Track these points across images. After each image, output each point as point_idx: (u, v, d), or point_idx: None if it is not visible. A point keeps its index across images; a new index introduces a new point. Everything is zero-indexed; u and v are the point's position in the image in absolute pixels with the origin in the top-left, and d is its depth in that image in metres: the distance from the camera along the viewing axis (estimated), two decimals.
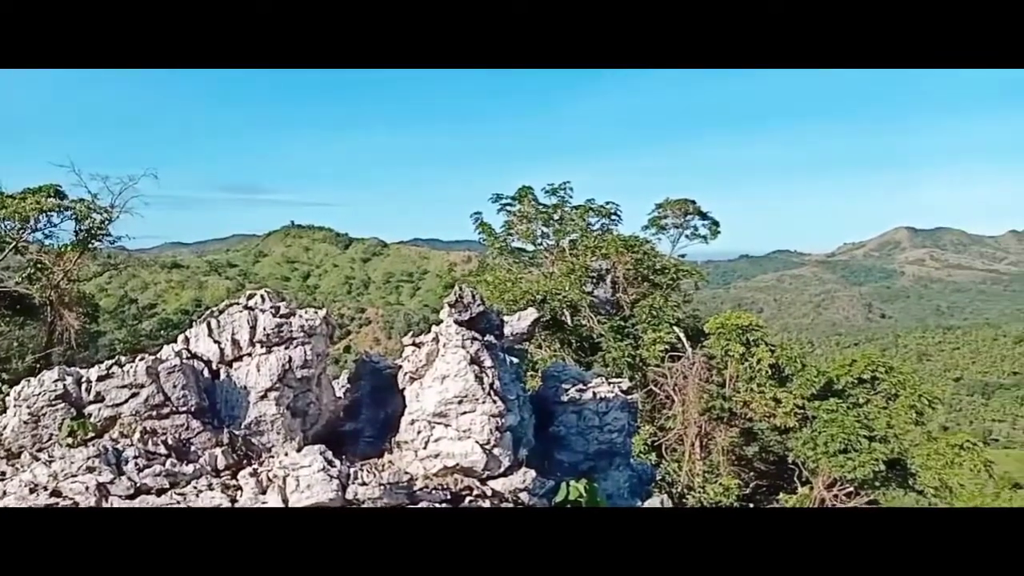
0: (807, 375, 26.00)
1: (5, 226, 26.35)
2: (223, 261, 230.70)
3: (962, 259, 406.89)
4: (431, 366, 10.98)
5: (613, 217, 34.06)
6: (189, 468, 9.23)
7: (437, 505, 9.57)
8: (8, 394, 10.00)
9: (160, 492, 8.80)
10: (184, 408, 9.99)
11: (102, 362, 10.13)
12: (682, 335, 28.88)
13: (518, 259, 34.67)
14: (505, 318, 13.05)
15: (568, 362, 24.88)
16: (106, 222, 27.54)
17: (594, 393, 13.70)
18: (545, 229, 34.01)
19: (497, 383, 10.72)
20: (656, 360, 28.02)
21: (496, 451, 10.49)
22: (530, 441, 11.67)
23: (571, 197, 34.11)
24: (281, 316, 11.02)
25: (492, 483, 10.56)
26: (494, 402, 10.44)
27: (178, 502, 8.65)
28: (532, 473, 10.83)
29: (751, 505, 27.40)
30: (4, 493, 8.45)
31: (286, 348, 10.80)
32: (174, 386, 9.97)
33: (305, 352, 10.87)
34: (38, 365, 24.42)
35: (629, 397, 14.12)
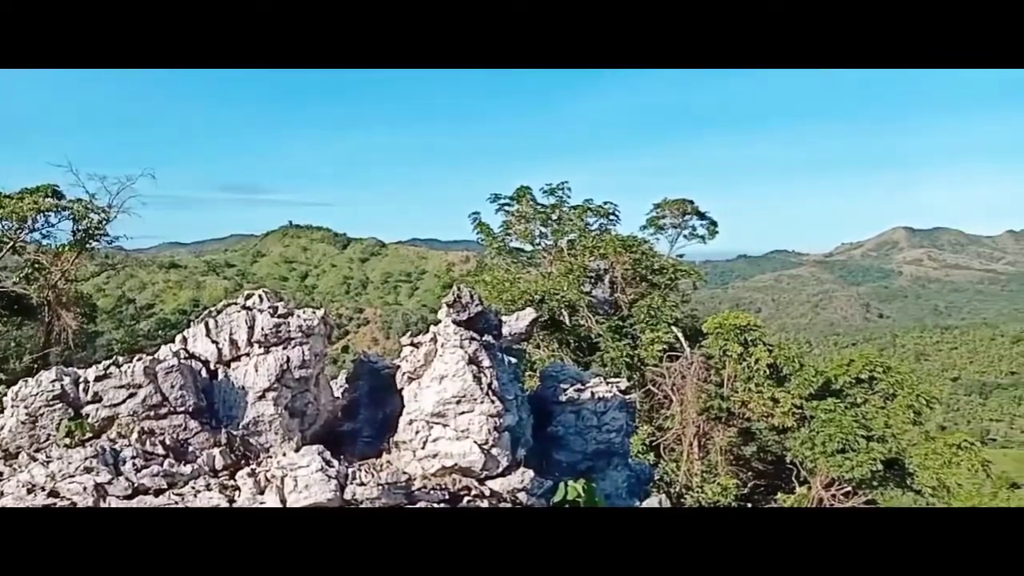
0: (805, 375, 26.01)
1: (2, 226, 26.29)
2: (221, 261, 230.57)
3: (960, 259, 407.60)
4: (429, 366, 10.98)
5: (611, 217, 34.06)
6: (187, 468, 9.22)
7: (435, 505, 9.57)
8: (5, 394, 9.98)
9: (158, 492, 8.79)
10: (182, 408, 9.98)
11: (100, 362, 10.12)
12: (680, 335, 28.89)
13: (516, 259, 34.65)
14: (503, 318, 13.06)
15: (566, 362, 24.88)
16: (104, 222, 27.47)
17: (592, 393, 13.70)
18: (543, 229, 34.00)
19: (495, 383, 10.72)
20: (654, 360, 28.03)
21: (494, 451, 10.49)
22: (528, 441, 11.67)
23: (569, 197, 34.14)
24: (279, 316, 11.01)
25: (490, 483, 10.56)
26: (492, 402, 10.44)
27: (176, 502, 8.65)
28: (530, 473, 10.83)
29: (749, 505, 27.42)
30: (2, 494, 8.44)
31: (284, 348, 10.79)
32: (172, 386, 9.96)
33: (303, 352, 10.86)
34: (36, 365, 24.37)
35: (627, 397, 14.12)
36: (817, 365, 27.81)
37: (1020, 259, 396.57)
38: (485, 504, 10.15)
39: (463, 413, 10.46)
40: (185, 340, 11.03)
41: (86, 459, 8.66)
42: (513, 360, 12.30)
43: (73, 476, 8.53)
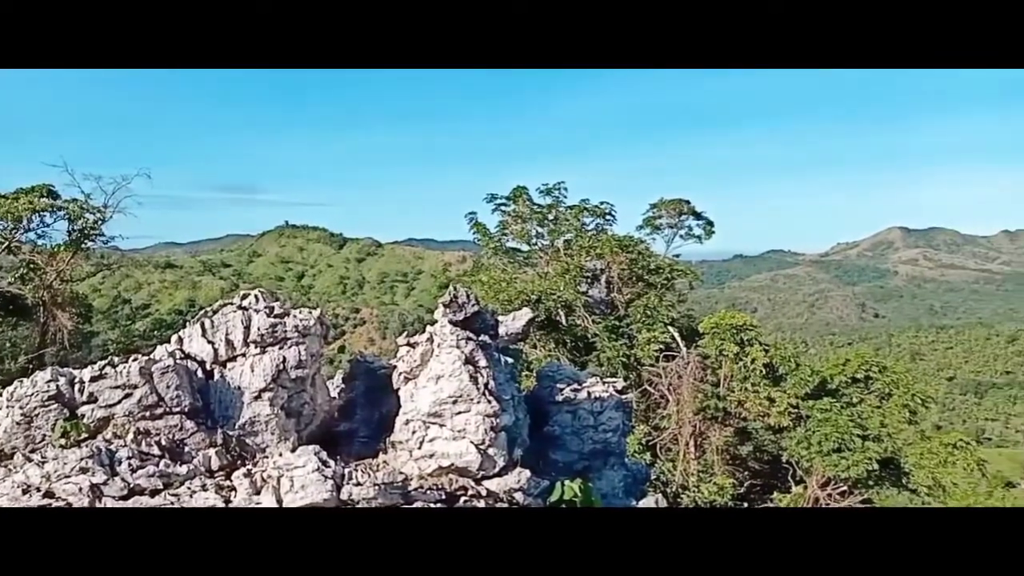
0: (801, 374, 26.06)
1: None
2: (217, 261, 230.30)
3: (955, 259, 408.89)
4: (426, 366, 10.97)
5: (607, 217, 34.09)
6: (183, 469, 9.20)
7: (432, 505, 9.57)
8: (1, 395, 9.95)
9: (154, 493, 8.77)
10: (178, 409, 9.96)
11: (95, 363, 10.10)
12: (676, 335, 28.93)
13: (513, 259, 34.64)
14: (500, 318, 13.05)
15: (563, 362, 24.86)
16: (99, 222, 27.40)
17: (589, 393, 13.71)
18: (540, 229, 34.01)
19: (492, 383, 10.72)
20: (651, 360, 28.06)
21: (491, 451, 10.49)
22: (525, 441, 11.67)
23: (566, 197, 34.15)
24: (275, 316, 10.99)
25: (487, 483, 10.56)
26: (489, 402, 10.44)
27: (172, 503, 8.63)
28: (527, 473, 10.83)
29: (745, 504, 27.47)
30: None
31: (280, 348, 10.78)
32: (168, 387, 9.94)
33: (299, 352, 10.85)
34: (31, 366, 24.28)
35: (624, 397, 14.13)
36: (813, 365, 27.87)
37: (1015, 259, 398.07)
38: (482, 504, 10.15)
39: (459, 413, 10.46)
40: (181, 340, 11.01)
41: (81, 459, 8.64)
42: (510, 360, 12.29)
43: (69, 477, 8.50)
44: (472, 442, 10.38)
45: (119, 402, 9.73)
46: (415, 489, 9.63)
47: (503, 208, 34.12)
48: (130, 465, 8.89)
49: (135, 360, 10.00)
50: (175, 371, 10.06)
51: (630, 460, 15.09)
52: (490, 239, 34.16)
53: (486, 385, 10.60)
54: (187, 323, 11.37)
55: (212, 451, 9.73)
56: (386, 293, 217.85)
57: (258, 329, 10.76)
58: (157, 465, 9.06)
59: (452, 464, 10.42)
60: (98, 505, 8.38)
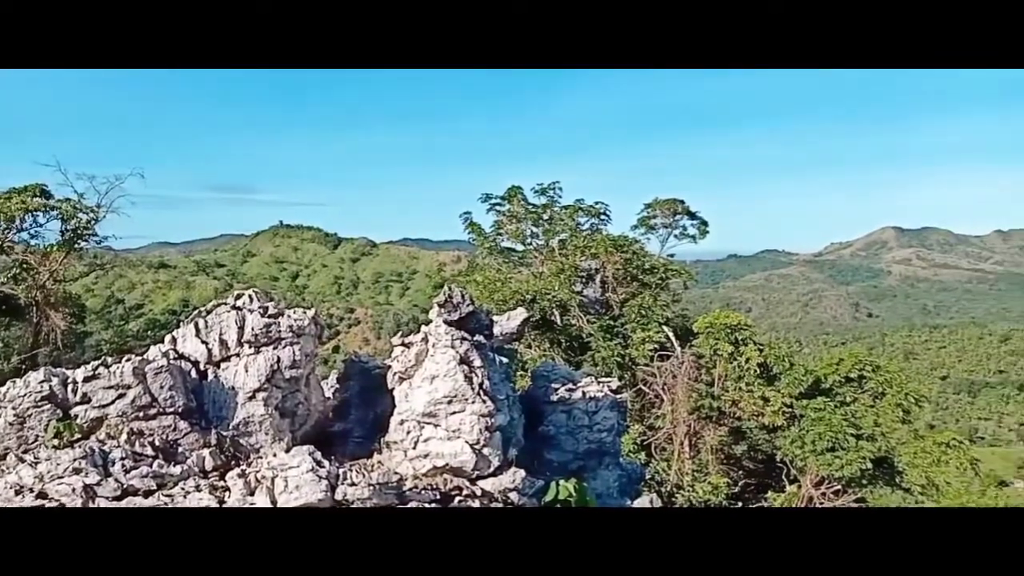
0: (795, 374, 26.13)
1: None
2: (211, 261, 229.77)
3: (948, 259, 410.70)
4: (420, 366, 10.96)
5: (602, 217, 34.12)
6: (177, 469, 9.17)
7: (426, 505, 9.56)
8: None
9: (147, 494, 8.74)
10: (171, 409, 9.93)
11: (88, 363, 10.06)
12: (671, 334, 28.96)
13: (507, 259, 34.64)
14: (495, 318, 13.05)
15: (558, 361, 24.90)
16: (92, 222, 27.33)
17: (583, 392, 13.72)
18: (534, 229, 34.01)
19: (487, 383, 10.71)
20: (645, 359, 28.09)
21: (485, 451, 10.49)
22: (520, 441, 11.67)
23: (560, 197, 34.18)
24: (269, 316, 10.97)
25: (482, 483, 10.55)
26: (483, 402, 10.44)
27: (165, 504, 8.60)
28: (522, 473, 10.83)
29: (740, 503, 27.52)
30: None
31: (274, 348, 10.75)
32: (161, 387, 9.91)
33: (294, 352, 10.83)
34: (24, 366, 24.22)
35: (618, 396, 14.14)
36: (807, 364, 27.94)
37: (1008, 259, 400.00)
38: (476, 504, 10.15)
39: (454, 413, 10.45)
40: (174, 340, 10.97)
41: (75, 460, 8.60)
42: (504, 360, 12.30)
43: (62, 477, 8.47)
44: (467, 442, 10.37)
45: (112, 402, 9.69)
46: (410, 489, 9.62)
47: (498, 208, 34.11)
48: (123, 466, 8.85)
49: (128, 360, 9.97)
50: (169, 371, 10.02)
51: (625, 460, 15.10)
52: (485, 239, 34.14)
53: (481, 385, 10.60)
54: (181, 323, 11.33)
55: (206, 451, 9.69)
56: (381, 293, 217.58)
57: (252, 329, 10.73)
58: (151, 466, 9.03)
59: (447, 464, 10.41)
60: (91, 506, 8.35)
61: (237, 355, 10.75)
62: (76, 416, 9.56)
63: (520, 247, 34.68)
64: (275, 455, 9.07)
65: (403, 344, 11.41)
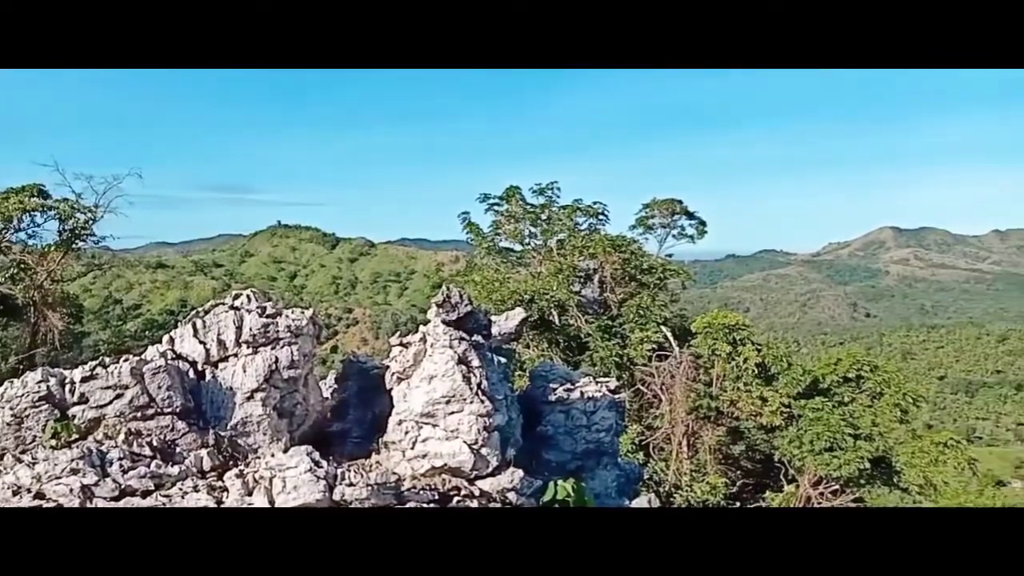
0: (793, 374, 26.14)
1: None
2: (209, 261, 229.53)
3: (946, 259, 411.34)
4: (419, 366, 10.95)
5: (600, 217, 34.12)
6: (174, 470, 9.16)
7: (425, 505, 9.56)
8: None
9: (145, 494, 8.73)
10: (169, 409, 9.92)
11: (86, 363, 10.05)
12: (669, 334, 28.97)
13: (506, 259, 34.64)
14: (493, 318, 13.05)
15: (556, 362, 24.89)
16: (90, 222, 27.30)
17: (582, 392, 13.72)
18: (533, 229, 34.01)
19: (485, 383, 10.71)
20: (643, 359, 28.09)
21: (484, 451, 10.49)
22: (518, 441, 11.67)
23: (559, 197, 34.18)
24: (267, 316, 10.96)
25: (480, 483, 10.55)
26: (482, 402, 10.43)
27: (163, 504, 8.59)
28: (520, 473, 10.83)
29: (738, 503, 27.54)
30: None
31: (272, 348, 10.75)
32: (159, 387, 9.90)
33: (292, 352, 10.82)
34: (21, 366, 24.17)
35: (617, 396, 14.15)
36: (805, 364, 27.95)
37: (1006, 259, 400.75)
38: (475, 504, 10.14)
39: (452, 413, 10.45)
40: (172, 340, 10.96)
41: (72, 461, 8.59)
42: (503, 360, 12.30)
43: (59, 478, 8.46)
44: (465, 442, 10.37)
45: (110, 403, 9.68)
46: (408, 489, 9.62)
47: (496, 208, 34.12)
48: (121, 466, 8.84)
49: (126, 360, 9.96)
50: (166, 371, 10.01)
51: (623, 460, 15.10)
52: (483, 239, 34.15)
53: (479, 385, 10.60)
54: (178, 323, 11.33)
55: (204, 452, 9.69)
56: (379, 293, 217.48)
57: (250, 329, 10.72)
58: (148, 466, 9.02)
59: (445, 464, 10.41)
60: (89, 506, 8.34)
61: (235, 355, 10.75)
62: (74, 416, 9.55)
63: (518, 247, 34.69)
64: (273, 455, 9.05)
65: (401, 344, 11.41)
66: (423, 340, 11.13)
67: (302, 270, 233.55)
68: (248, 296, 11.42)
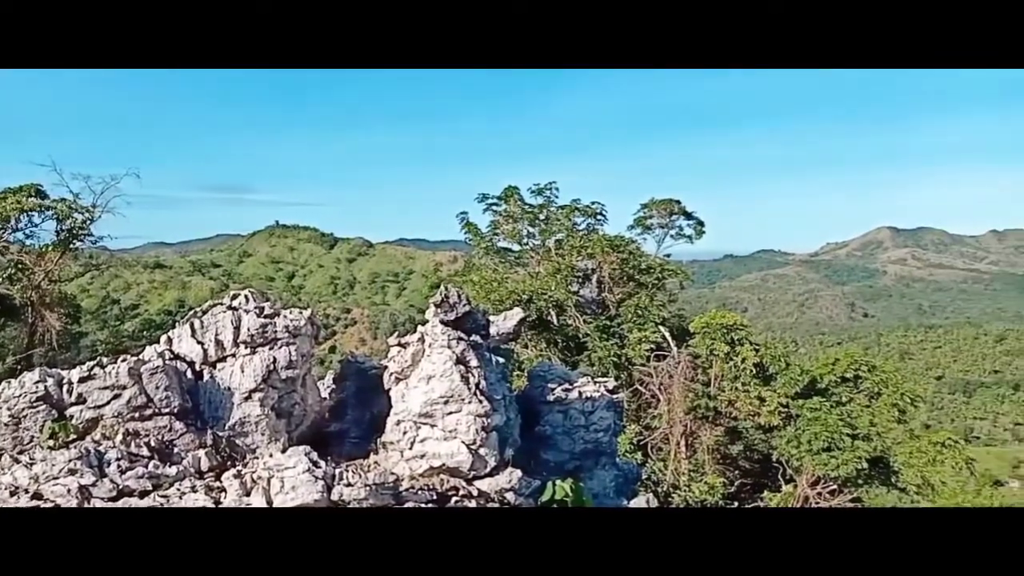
0: (791, 374, 26.16)
1: None
2: (207, 261, 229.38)
3: (943, 259, 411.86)
4: (417, 366, 10.95)
5: (599, 217, 34.15)
6: (172, 470, 9.16)
7: (423, 505, 9.55)
8: None
9: (143, 494, 8.72)
10: (167, 409, 9.91)
11: (84, 363, 10.04)
12: (667, 334, 28.97)
13: (504, 259, 34.66)
14: (491, 318, 13.05)
15: (554, 362, 24.89)
16: (88, 222, 27.27)
17: (580, 393, 13.72)
18: (531, 229, 34.04)
19: (483, 383, 10.71)
20: (642, 359, 28.09)
21: (482, 451, 10.49)
22: (516, 441, 11.67)
23: (557, 197, 34.22)
24: (265, 316, 10.95)
25: (478, 483, 10.55)
26: (480, 402, 10.43)
27: (161, 504, 8.58)
28: (518, 473, 10.83)
29: (736, 503, 27.54)
30: None
31: (270, 349, 10.74)
32: (157, 387, 9.89)
33: (290, 353, 10.81)
34: (19, 366, 24.12)
35: (615, 396, 14.15)
36: (803, 364, 27.98)
37: (1003, 259, 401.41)
38: (473, 504, 10.14)
39: (451, 413, 10.45)
40: (170, 341, 10.95)
41: (70, 461, 8.58)
42: (501, 360, 12.30)
43: (57, 478, 8.45)
44: (463, 442, 10.37)
45: (108, 403, 9.67)
46: (406, 489, 9.62)
47: (494, 208, 34.14)
48: (119, 466, 8.83)
49: (124, 361, 9.95)
50: (164, 372, 10.00)
51: (621, 460, 15.11)
52: (481, 239, 34.17)
53: (477, 385, 10.60)
54: (176, 323, 11.32)
55: (202, 452, 9.68)
56: (377, 293, 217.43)
57: (248, 329, 10.72)
58: (146, 466, 9.01)
59: (443, 464, 10.41)
60: (87, 507, 8.33)
61: (233, 355, 10.74)
62: (71, 417, 9.53)
63: (516, 247, 34.71)
64: (271, 455, 9.05)
65: (399, 344, 11.41)
66: (421, 340, 11.12)
67: (300, 270, 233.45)
68: (246, 296, 11.41)
